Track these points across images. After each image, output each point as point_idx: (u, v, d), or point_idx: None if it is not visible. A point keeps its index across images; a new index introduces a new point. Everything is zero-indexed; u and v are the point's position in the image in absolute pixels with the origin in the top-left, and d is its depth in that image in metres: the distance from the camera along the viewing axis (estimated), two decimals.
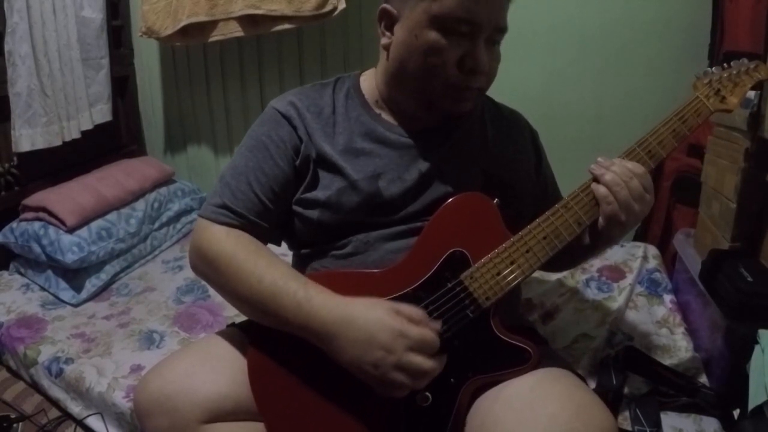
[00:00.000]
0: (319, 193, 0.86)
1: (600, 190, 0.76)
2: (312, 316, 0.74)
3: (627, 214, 0.75)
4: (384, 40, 0.85)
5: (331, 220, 0.85)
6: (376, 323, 0.71)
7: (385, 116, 0.90)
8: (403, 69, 0.83)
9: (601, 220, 0.78)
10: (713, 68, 0.87)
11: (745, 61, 0.88)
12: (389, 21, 0.84)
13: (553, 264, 0.95)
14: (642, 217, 0.78)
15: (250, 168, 0.86)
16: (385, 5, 0.83)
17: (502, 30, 0.81)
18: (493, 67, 0.83)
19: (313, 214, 0.86)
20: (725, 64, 0.88)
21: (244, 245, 0.81)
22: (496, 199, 0.82)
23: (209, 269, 0.82)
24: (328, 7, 1.62)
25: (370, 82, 0.93)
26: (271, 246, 0.89)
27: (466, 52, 0.78)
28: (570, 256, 0.94)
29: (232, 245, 0.81)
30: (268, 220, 0.86)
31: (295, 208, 0.88)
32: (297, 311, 0.74)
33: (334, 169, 0.86)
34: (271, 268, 0.78)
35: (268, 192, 0.85)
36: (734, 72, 0.86)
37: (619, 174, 0.76)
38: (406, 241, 0.84)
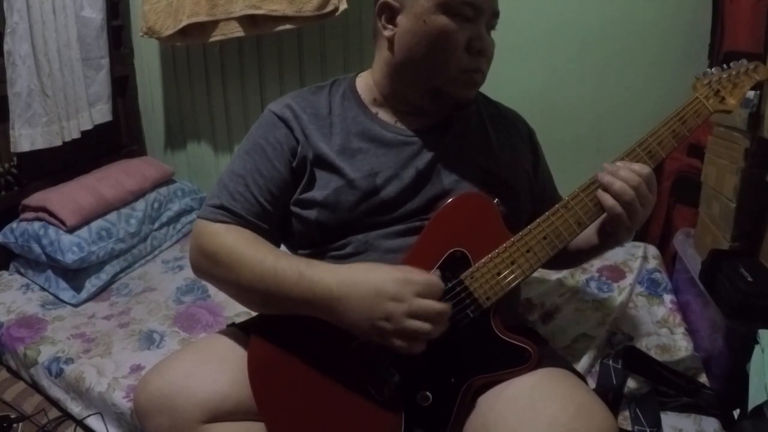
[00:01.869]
0: (316, 193, 0.86)
1: (607, 200, 0.76)
2: (315, 282, 0.74)
3: (633, 219, 0.77)
4: (387, 33, 0.86)
5: (329, 220, 0.85)
6: (381, 276, 0.72)
7: (382, 115, 0.91)
8: (411, 57, 0.84)
9: (608, 224, 0.80)
10: (713, 69, 0.88)
11: (745, 62, 0.89)
12: (390, 13, 0.85)
13: (559, 262, 0.96)
14: (646, 217, 0.79)
15: (248, 170, 0.86)
16: None
17: (497, 15, 0.86)
18: (493, 51, 0.87)
19: (311, 214, 0.86)
20: (725, 65, 0.88)
21: (244, 237, 0.82)
22: (497, 199, 0.82)
23: (210, 264, 0.82)
24: (330, 8, 1.62)
25: (366, 81, 0.94)
26: None
27: (472, 35, 0.81)
28: (577, 254, 0.95)
29: (233, 237, 0.82)
30: (266, 222, 0.87)
31: (293, 209, 0.88)
32: (299, 281, 0.75)
33: (331, 168, 0.86)
34: (272, 252, 0.80)
35: (266, 194, 0.86)
36: (733, 73, 0.87)
37: (627, 179, 0.75)
38: (405, 240, 0.84)
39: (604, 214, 0.78)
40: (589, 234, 0.89)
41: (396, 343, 0.72)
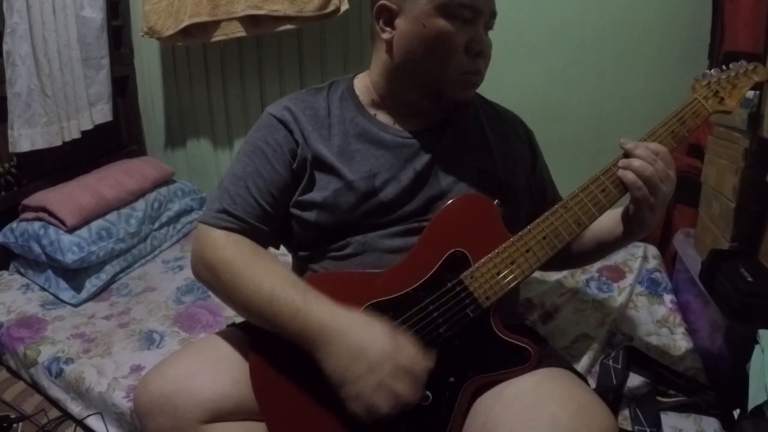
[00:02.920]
0: (315, 195, 0.86)
1: (628, 176, 0.76)
2: (308, 323, 0.73)
3: (656, 196, 0.76)
4: (385, 35, 0.85)
5: (328, 222, 0.85)
6: (370, 339, 0.70)
7: (381, 117, 0.91)
8: (410, 60, 0.84)
9: (631, 207, 0.80)
10: (712, 70, 0.88)
11: (744, 63, 0.89)
12: (388, 16, 0.85)
13: (582, 257, 0.98)
14: (669, 197, 0.79)
15: (248, 173, 0.86)
16: (382, 1, 0.84)
17: (495, 15, 0.86)
18: (491, 51, 0.87)
19: (311, 215, 0.86)
20: (724, 66, 0.88)
21: (243, 251, 0.81)
22: (496, 200, 0.82)
23: (210, 276, 0.82)
24: (331, 8, 1.62)
25: (364, 83, 0.94)
26: (270, 249, 0.90)
27: (471, 37, 0.81)
28: (600, 248, 0.94)
29: (232, 251, 0.81)
30: (267, 224, 0.87)
31: (293, 210, 0.88)
32: (294, 318, 0.74)
33: (330, 170, 0.86)
34: (269, 274, 0.78)
35: (266, 196, 0.86)
36: (733, 74, 0.87)
37: (645, 157, 0.76)
38: (403, 242, 0.84)
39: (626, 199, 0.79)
40: (611, 225, 0.89)
41: (352, 405, 0.70)
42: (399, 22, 0.84)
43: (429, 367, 0.72)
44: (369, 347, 0.70)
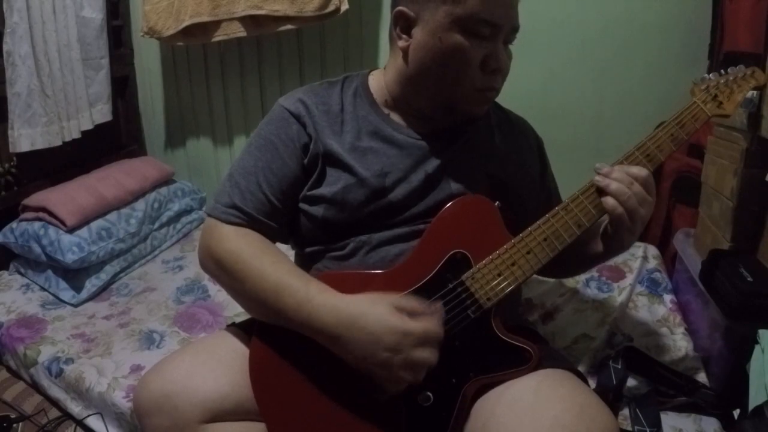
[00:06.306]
0: (324, 190, 0.86)
1: (608, 201, 0.76)
2: (313, 316, 0.74)
3: (633, 219, 0.76)
4: (401, 43, 0.84)
5: (335, 218, 0.85)
6: (379, 324, 0.71)
7: (394, 117, 0.91)
8: (425, 72, 0.83)
9: (609, 227, 0.79)
10: (710, 74, 0.88)
11: (742, 67, 0.89)
12: (406, 23, 0.83)
13: (564, 269, 0.97)
14: (647, 219, 0.78)
15: (260, 168, 0.86)
16: (401, 8, 0.83)
17: (516, 30, 0.83)
18: (509, 66, 0.85)
19: (318, 210, 0.86)
20: (722, 70, 0.89)
21: (251, 243, 0.82)
22: (498, 202, 0.82)
23: (217, 268, 0.83)
24: (331, 8, 1.62)
25: (378, 82, 0.93)
26: (279, 244, 0.90)
27: (488, 54, 0.80)
28: (581, 262, 0.95)
29: (240, 244, 0.81)
30: (276, 220, 0.87)
31: (301, 205, 0.89)
32: (298, 310, 0.75)
33: (341, 165, 0.86)
34: (276, 266, 0.79)
35: (277, 192, 0.86)
36: (731, 78, 0.87)
37: (622, 180, 0.75)
38: (407, 245, 0.84)
39: (605, 217, 0.78)
40: (591, 243, 0.89)
41: (384, 385, 0.74)
42: (416, 32, 0.82)
43: (439, 315, 0.74)
44: (381, 332, 0.71)
